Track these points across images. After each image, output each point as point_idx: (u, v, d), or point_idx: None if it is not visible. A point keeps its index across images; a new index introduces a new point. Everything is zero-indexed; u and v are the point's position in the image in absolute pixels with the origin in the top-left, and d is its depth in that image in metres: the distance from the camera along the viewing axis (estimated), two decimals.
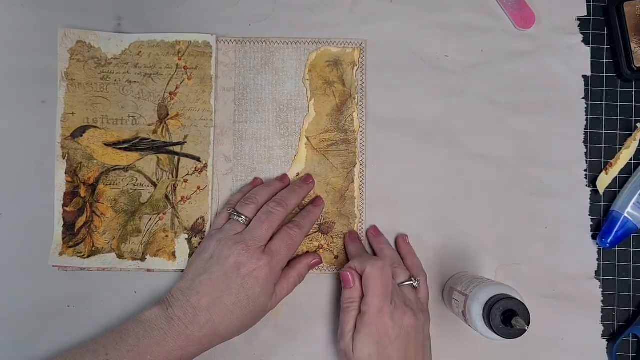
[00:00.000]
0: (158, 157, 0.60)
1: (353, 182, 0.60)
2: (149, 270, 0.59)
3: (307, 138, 0.60)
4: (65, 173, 0.59)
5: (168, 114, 0.60)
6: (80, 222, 0.59)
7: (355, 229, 0.60)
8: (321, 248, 0.60)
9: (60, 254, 0.58)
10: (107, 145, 0.59)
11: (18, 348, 0.58)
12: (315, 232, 0.60)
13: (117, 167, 0.59)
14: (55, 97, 0.59)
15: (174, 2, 0.61)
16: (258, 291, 0.52)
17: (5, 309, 0.59)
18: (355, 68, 0.60)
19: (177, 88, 0.60)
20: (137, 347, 0.50)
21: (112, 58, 0.60)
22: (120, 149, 0.59)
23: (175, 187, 0.59)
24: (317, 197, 0.60)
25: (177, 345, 0.50)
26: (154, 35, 0.60)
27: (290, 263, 0.57)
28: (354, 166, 0.60)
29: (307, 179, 0.59)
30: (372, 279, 0.51)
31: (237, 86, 0.61)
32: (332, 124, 0.60)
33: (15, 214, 0.59)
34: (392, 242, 0.60)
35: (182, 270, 0.59)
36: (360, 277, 0.53)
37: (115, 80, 0.60)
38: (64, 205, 0.59)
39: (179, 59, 0.60)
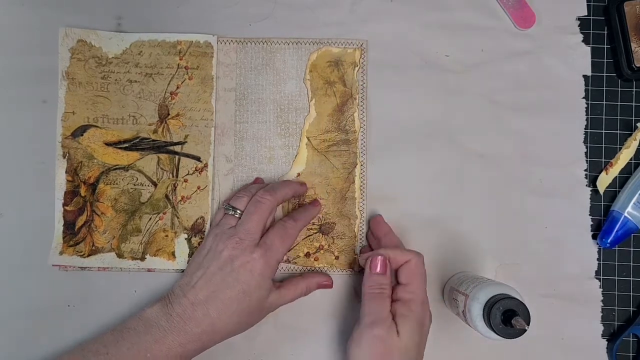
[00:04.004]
0: (158, 157, 0.60)
1: (354, 182, 0.60)
2: (149, 270, 0.59)
3: (308, 138, 0.60)
4: (66, 172, 0.59)
5: (169, 114, 0.60)
6: (80, 221, 0.59)
7: (355, 230, 0.60)
8: (322, 249, 0.59)
9: (61, 253, 0.58)
10: (108, 144, 0.59)
11: (18, 348, 0.58)
12: (316, 233, 0.60)
13: (117, 167, 0.59)
14: (56, 96, 0.59)
15: (174, 2, 0.61)
16: (253, 284, 0.52)
17: (5, 309, 0.58)
18: (356, 68, 0.60)
19: (178, 88, 0.60)
20: (137, 345, 0.50)
21: (112, 57, 0.60)
22: (120, 148, 0.59)
23: (176, 187, 0.59)
24: (315, 199, 0.60)
25: (177, 342, 0.50)
26: (155, 34, 0.60)
27: (304, 274, 0.58)
28: (355, 166, 0.60)
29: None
30: (419, 270, 0.52)
31: (238, 86, 0.61)
32: (332, 124, 0.60)
33: (16, 214, 0.59)
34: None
35: (182, 270, 0.59)
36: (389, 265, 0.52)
37: (115, 80, 0.60)
38: (64, 205, 0.59)
39: (180, 59, 0.60)
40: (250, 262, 0.52)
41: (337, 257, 0.59)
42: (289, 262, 0.59)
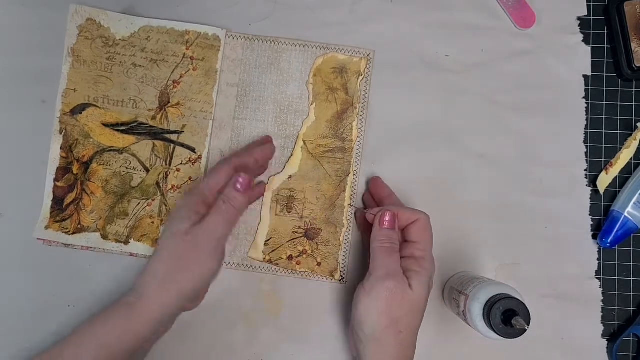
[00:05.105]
0: (154, 143, 0.60)
1: (344, 190, 0.59)
2: (131, 255, 0.59)
3: (304, 142, 0.60)
4: (61, 148, 0.59)
5: (169, 102, 0.60)
6: (69, 198, 0.59)
7: (340, 238, 0.59)
8: (305, 253, 0.59)
9: (47, 227, 0.59)
10: (105, 125, 0.60)
11: (18, 348, 0.58)
12: (301, 237, 0.59)
13: (112, 148, 0.60)
14: (56, 97, 0.60)
15: (174, 1, 0.61)
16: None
17: (5, 309, 0.59)
18: (360, 78, 0.60)
19: (181, 77, 0.60)
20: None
21: (120, 39, 0.60)
22: (117, 130, 0.60)
23: (167, 175, 0.59)
24: (267, 137, 0.60)
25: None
26: (164, 21, 0.60)
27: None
28: (348, 175, 0.59)
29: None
30: (429, 229, 0.52)
31: (241, 82, 0.61)
32: (330, 130, 0.60)
33: (15, 214, 0.59)
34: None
35: None
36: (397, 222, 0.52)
37: (120, 62, 0.60)
38: (55, 180, 0.59)
39: (187, 49, 0.60)
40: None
41: (319, 264, 0.59)
42: (271, 263, 0.59)
